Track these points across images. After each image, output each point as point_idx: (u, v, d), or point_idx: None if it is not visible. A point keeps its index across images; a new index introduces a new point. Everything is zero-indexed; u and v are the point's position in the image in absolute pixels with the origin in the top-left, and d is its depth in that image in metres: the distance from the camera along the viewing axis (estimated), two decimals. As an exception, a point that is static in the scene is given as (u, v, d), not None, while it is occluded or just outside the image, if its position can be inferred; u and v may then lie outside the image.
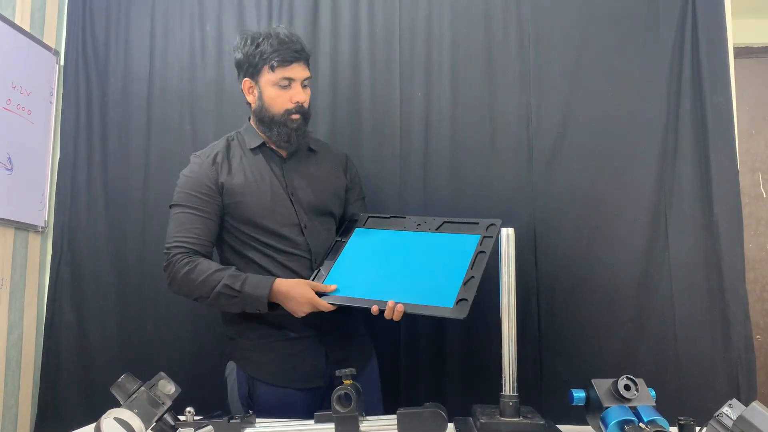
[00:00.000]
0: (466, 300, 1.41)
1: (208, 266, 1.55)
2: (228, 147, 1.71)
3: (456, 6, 2.09)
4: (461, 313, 1.39)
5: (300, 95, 1.64)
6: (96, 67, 2.22)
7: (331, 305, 1.49)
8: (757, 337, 2.81)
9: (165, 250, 1.59)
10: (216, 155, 1.67)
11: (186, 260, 1.55)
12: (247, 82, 1.68)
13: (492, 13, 2.08)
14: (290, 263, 1.62)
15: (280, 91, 1.63)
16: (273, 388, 1.59)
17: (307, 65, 1.67)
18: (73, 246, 2.15)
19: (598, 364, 1.90)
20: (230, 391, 1.63)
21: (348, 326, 1.68)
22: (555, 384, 1.90)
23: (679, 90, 2.00)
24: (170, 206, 1.66)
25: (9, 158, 2.00)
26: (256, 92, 1.67)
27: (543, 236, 1.98)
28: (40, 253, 2.18)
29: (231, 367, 1.65)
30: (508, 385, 1.25)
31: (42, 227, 2.17)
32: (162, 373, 1.25)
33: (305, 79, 1.66)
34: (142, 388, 1.21)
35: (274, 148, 1.70)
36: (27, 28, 2.10)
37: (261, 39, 1.63)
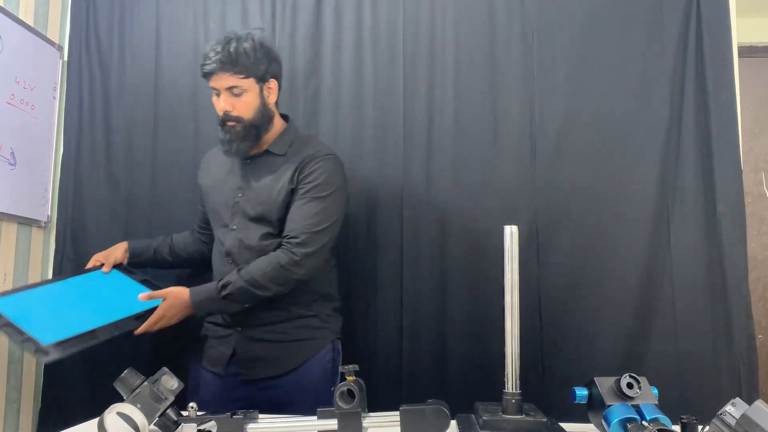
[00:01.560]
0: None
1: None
2: (219, 146, 1.82)
3: (459, 3, 2.09)
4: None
5: (225, 104, 1.70)
6: (99, 63, 2.22)
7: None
8: (759, 336, 2.81)
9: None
10: (206, 156, 1.93)
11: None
12: None
13: (495, 11, 2.08)
14: (218, 262, 1.79)
15: (215, 98, 1.72)
16: (196, 366, 1.80)
17: (238, 73, 1.68)
18: (76, 242, 2.14)
19: (600, 362, 1.90)
20: None
21: (263, 331, 1.72)
22: (557, 382, 1.90)
23: (682, 89, 2.00)
24: None
25: (12, 153, 2.00)
26: None
27: (545, 235, 1.98)
28: (43, 248, 2.18)
29: None
30: (511, 383, 1.25)
31: (45, 222, 2.17)
32: (165, 369, 1.25)
33: (230, 88, 1.68)
34: (145, 383, 1.21)
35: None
36: (31, 23, 2.10)
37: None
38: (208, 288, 1.67)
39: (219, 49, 1.66)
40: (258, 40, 1.71)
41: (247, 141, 1.72)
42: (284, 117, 1.85)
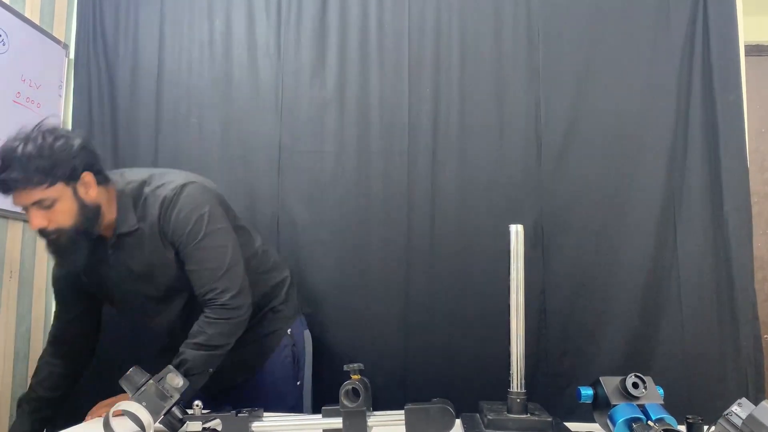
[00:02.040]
0: None
1: None
2: None
3: (465, 2, 2.09)
4: None
5: (36, 221, 1.40)
6: (105, 61, 2.22)
7: None
8: (766, 336, 2.80)
9: None
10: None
11: None
12: None
13: (501, 9, 2.07)
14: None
15: (27, 214, 1.42)
16: None
17: (38, 185, 1.36)
18: (82, 239, 2.15)
19: (605, 362, 1.90)
20: None
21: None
22: (563, 381, 1.90)
23: (689, 87, 1.99)
24: None
25: (18, 151, 2.01)
26: None
27: (551, 234, 1.98)
28: (49, 246, 2.19)
29: None
30: (516, 382, 1.25)
31: (51, 220, 2.17)
32: (170, 367, 1.25)
33: (38, 202, 1.38)
34: (151, 381, 1.21)
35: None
36: (37, 22, 2.10)
37: None
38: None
39: (17, 154, 1.35)
40: (48, 136, 1.39)
41: (84, 243, 1.46)
42: (105, 181, 1.51)
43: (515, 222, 1.36)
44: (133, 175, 1.57)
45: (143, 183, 1.54)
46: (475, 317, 1.95)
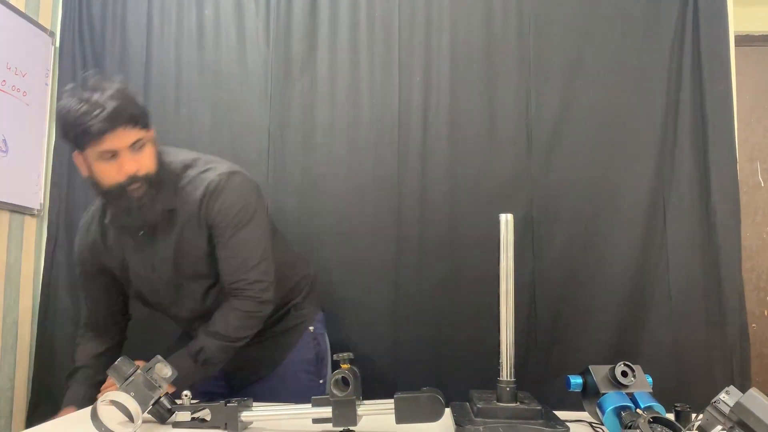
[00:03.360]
0: None
1: None
2: (90, 222, 1.62)
3: (456, -8, 2.08)
4: None
5: (129, 165, 1.38)
6: (92, 49, 2.20)
7: None
8: (753, 325, 2.82)
9: None
10: (89, 233, 1.61)
11: None
12: (76, 155, 1.44)
13: (492, 0, 2.06)
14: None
15: (107, 163, 1.38)
16: None
17: (136, 125, 1.38)
18: (69, 229, 2.13)
19: (594, 351, 1.91)
20: None
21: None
22: (552, 370, 1.91)
23: (679, 78, 2.00)
24: None
25: (4, 140, 1.99)
26: (81, 166, 1.45)
27: (540, 224, 1.98)
28: (36, 236, 2.17)
29: None
30: (506, 371, 1.25)
31: (38, 210, 2.15)
32: (159, 357, 1.25)
33: (133, 144, 1.38)
34: (139, 371, 1.20)
35: None
36: (22, 9, 2.07)
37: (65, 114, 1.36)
38: (179, 362, 1.36)
39: (101, 100, 1.33)
40: (122, 82, 1.41)
41: (160, 197, 1.45)
42: None
43: (505, 212, 1.36)
44: (175, 155, 1.55)
45: (186, 166, 1.53)
46: (465, 307, 1.96)
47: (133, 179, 1.39)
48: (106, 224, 1.56)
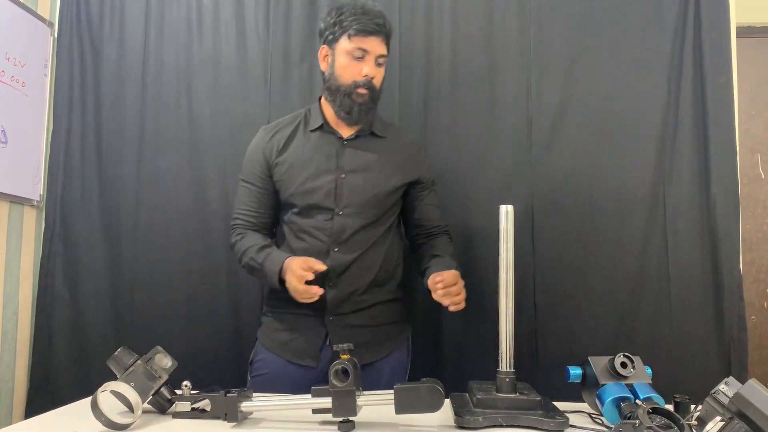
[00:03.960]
0: None
1: (249, 240, 1.64)
2: (294, 123, 1.71)
3: (457, -18, 2.07)
4: None
5: (371, 69, 1.59)
6: (90, 40, 2.18)
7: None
8: (752, 317, 2.83)
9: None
10: (278, 131, 1.70)
11: (238, 232, 1.69)
12: (323, 49, 1.65)
13: (493, -9, 2.06)
14: (308, 249, 1.61)
15: (353, 61, 1.60)
16: (271, 356, 1.65)
17: (386, 43, 1.63)
18: (66, 220, 2.12)
19: (594, 342, 1.91)
20: None
21: (362, 316, 1.63)
22: (551, 361, 1.91)
23: (680, 70, 1.99)
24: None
25: (3, 131, 1.98)
26: (329, 60, 1.64)
27: (541, 215, 1.98)
28: (36, 227, 2.17)
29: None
30: (505, 362, 1.26)
31: (37, 201, 2.15)
32: (159, 347, 1.25)
33: (380, 56, 1.61)
34: (139, 361, 1.21)
35: (335, 129, 1.67)
36: (20, -1, 2.06)
37: (345, 8, 1.60)
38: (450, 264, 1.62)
39: (378, 14, 1.61)
40: None
41: (372, 112, 1.65)
42: None
43: (505, 203, 1.36)
44: None
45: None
46: (466, 297, 1.95)
47: (367, 84, 1.59)
48: (294, 132, 1.70)
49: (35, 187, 2.14)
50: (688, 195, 1.95)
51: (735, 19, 1.99)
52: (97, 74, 2.17)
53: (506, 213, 1.33)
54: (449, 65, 2.05)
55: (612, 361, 1.22)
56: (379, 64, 1.62)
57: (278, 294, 1.59)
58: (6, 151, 2.00)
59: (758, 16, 2.89)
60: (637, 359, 1.23)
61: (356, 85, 1.59)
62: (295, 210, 1.65)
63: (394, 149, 1.69)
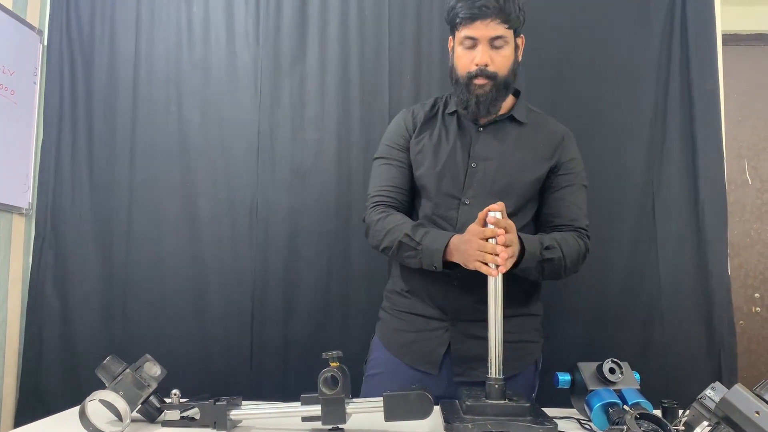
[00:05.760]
0: None
1: (398, 218, 1.50)
2: (433, 106, 1.61)
3: (446, -12, 2.08)
4: None
5: (483, 56, 1.44)
6: (80, 47, 2.18)
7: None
8: (741, 322, 2.85)
9: (366, 203, 1.58)
10: (418, 112, 1.61)
11: (381, 210, 1.53)
12: (450, 41, 1.54)
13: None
14: None
15: (465, 51, 1.47)
16: (388, 355, 1.55)
17: (504, 21, 1.42)
18: (57, 228, 2.12)
19: (582, 348, 1.92)
20: None
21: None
22: (541, 367, 1.91)
23: (667, 76, 2.01)
24: (373, 159, 1.63)
25: (-8, 139, 1.97)
26: (451, 51, 1.53)
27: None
28: (25, 235, 2.15)
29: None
30: (494, 368, 1.26)
31: (26, 209, 2.14)
32: (148, 356, 1.24)
33: (494, 39, 1.43)
34: (128, 370, 1.20)
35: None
36: (10, 7, 2.06)
37: None
38: (532, 242, 1.39)
39: None
40: None
41: (498, 102, 1.49)
42: None
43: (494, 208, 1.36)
44: None
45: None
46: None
47: (483, 73, 1.45)
48: (432, 114, 1.60)
49: (24, 195, 2.13)
50: (677, 201, 1.97)
51: (721, 27, 2.02)
52: (87, 81, 2.16)
53: (494, 217, 1.33)
54: (439, 71, 2.06)
55: (600, 366, 1.23)
56: (496, 47, 1.44)
57: (401, 291, 1.55)
58: (-6, 158, 1.99)
59: (744, 24, 2.93)
60: (625, 365, 1.24)
61: (470, 77, 1.46)
62: (422, 195, 1.56)
63: (534, 137, 1.54)
